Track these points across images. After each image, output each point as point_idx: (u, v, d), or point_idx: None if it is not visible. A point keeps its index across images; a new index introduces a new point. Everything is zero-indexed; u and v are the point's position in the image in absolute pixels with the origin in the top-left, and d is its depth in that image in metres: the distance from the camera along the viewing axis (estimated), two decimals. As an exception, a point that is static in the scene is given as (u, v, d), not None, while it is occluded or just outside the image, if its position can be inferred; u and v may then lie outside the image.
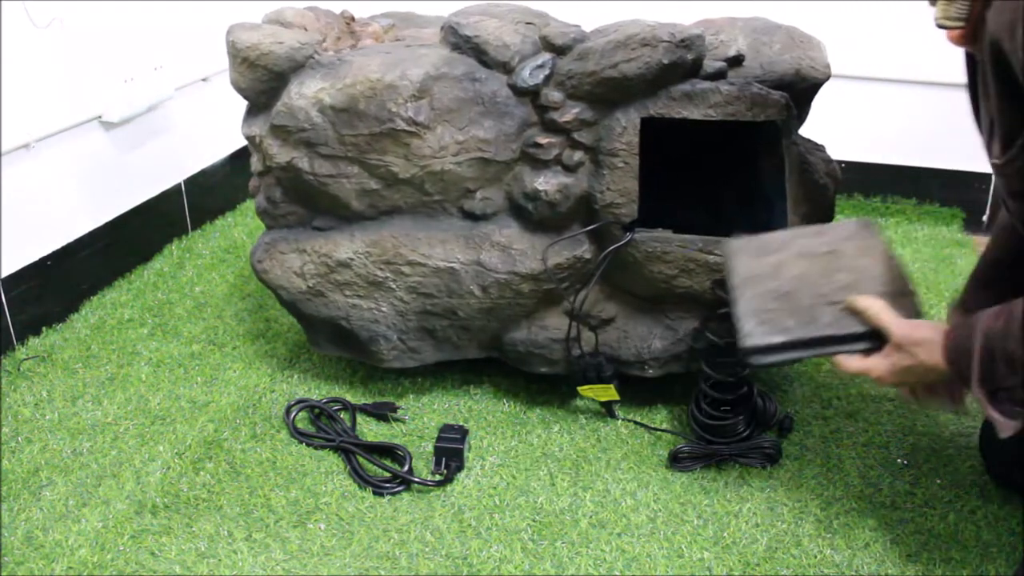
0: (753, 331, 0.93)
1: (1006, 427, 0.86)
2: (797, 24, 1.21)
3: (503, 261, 1.16)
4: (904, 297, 0.93)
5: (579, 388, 1.22)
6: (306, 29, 1.22)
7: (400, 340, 1.24)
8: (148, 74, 1.60)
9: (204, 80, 1.81)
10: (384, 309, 1.21)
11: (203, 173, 1.84)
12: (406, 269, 1.18)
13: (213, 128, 1.83)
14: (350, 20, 1.31)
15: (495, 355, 1.27)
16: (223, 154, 1.90)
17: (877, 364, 0.92)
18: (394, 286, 1.20)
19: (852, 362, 0.93)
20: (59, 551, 1.03)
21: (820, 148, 1.21)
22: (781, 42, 1.13)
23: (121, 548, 1.03)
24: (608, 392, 1.20)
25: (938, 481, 1.13)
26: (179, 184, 1.78)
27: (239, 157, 1.92)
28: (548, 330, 1.21)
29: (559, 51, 1.10)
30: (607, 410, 1.25)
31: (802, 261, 0.98)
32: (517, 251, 1.16)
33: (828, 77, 1.12)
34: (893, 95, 1.86)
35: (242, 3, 1.52)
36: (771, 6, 1.57)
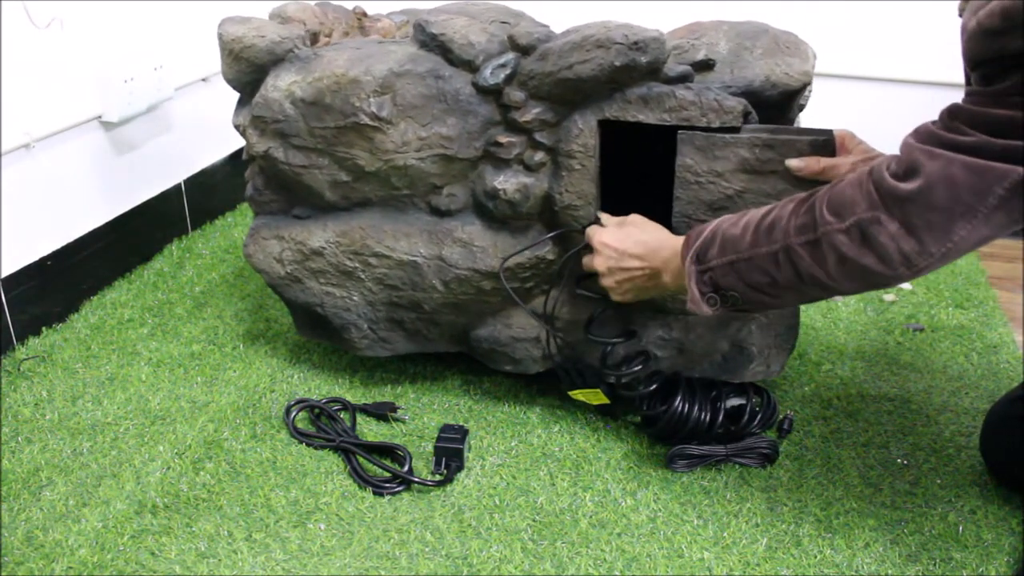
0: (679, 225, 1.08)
1: (698, 306, 0.95)
2: (796, 25, 1.20)
3: (464, 257, 1.17)
4: None
5: (569, 392, 1.21)
6: (305, 24, 1.23)
7: (371, 329, 1.26)
8: (148, 74, 1.60)
9: (204, 80, 1.81)
10: (355, 298, 1.24)
11: (203, 173, 1.84)
12: (372, 260, 1.20)
13: (213, 128, 1.83)
14: (362, 16, 1.31)
15: (465, 350, 1.28)
16: (223, 154, 1.90)
17: (613, 230, 1.06)
18: (363, 276, 1.22)
19: (593, 226, 1.09)
20: (59, 551, 1.03)
21: None
22: (764, 47, 1.12)
23: (121, 548, 1.03)
24: (598, 396, 1.19)
25: (938, 481, 1.13)
26: (179, 184, 1.78)
27: (239, 157, 1.92)
28: (512, 329, 1.21)
29: (524, 51, 1.09)
30: (606, 411, 1.25)
31: (742, 175, 1.05)
32: (478, 248, 1.16)
33: (804, 85, 1.09)
34: (893, 95, 1.86)
35: (243, 3, 1.52)
36: (775, 7, 1.58)
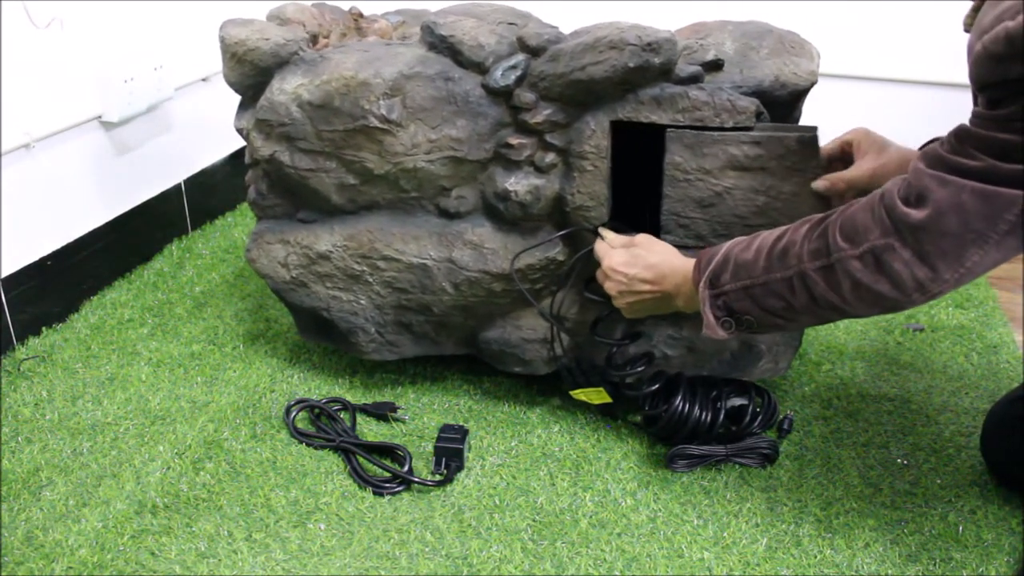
0: (672, 231, 1.10)
1: (714, 330, 0.96)
2: (796, 25, 1.20)
3: (474, 259, 1.16)
4: None
5: (571, 392, 1.21)
6: (304, 25, 1.23)
7: (378, 333, 1.25)
8: (148, 74, 1.60)
9: (204, 80, 1.81)
10: (363, 302, 1.23)
11: (203, 173, 1.84)
12: (381, 264, 1.20)
13: (213, 128, 1.83)
14: (358, 17, 1.31)
15: (473, 352, 1.27)
16: (223, 154, 1.90)
17: (620, 251, 1.06)
18: (371, 280, 1.22)
19: (602, 245, 1.09)
20: (59, 551, 1.03)
21: None
22: (769, 47, 1.12)
23: (121, 548, 1.03)
24: (600, 395, 1.19)
25: (938, 481, 1.13)
26: (179, 184, 1.78)
27: (239, 157, 1.92)
28: (522, 330, 1.21)
29: (534, 52, 1.09)
30: (606, 411, 1.25)
31: (731, 173, 1.06)
32: (489, 250, 1.16)
33: (812, 84, 1.10)
34: (893, 95, 1.86)
35: (244, 4, 1.52)
36: (774, 6, 1.57)
